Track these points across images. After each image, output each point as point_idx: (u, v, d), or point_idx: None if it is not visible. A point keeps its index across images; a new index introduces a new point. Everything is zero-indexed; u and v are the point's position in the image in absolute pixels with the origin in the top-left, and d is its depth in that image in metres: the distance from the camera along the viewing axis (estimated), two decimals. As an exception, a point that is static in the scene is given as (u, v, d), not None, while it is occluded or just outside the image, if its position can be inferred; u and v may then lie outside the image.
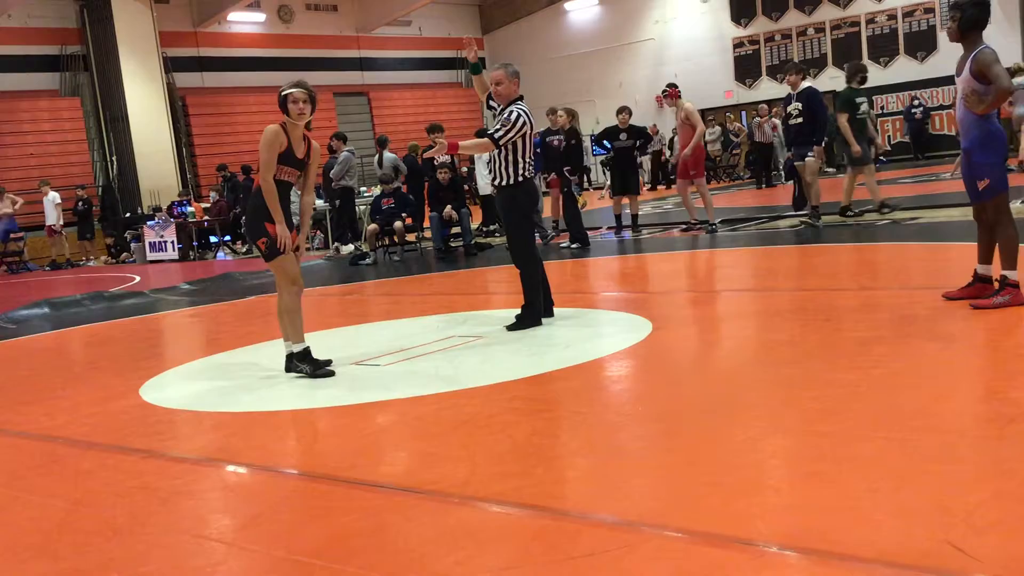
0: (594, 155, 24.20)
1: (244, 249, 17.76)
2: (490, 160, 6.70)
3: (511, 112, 6.51)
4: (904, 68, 24.92)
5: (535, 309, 6.59)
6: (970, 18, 5.60)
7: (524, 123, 6.47)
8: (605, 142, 13.56)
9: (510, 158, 6.56)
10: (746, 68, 27.20)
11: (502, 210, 6.82)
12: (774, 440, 3.71)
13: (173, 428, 4.98)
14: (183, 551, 3.16)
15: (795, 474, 3.34)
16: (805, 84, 11.36)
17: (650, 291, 7.50)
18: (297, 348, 5.66)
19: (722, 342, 5.97)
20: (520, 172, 6.58)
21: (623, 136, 13.10)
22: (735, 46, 27.42)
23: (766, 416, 4.03)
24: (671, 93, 12.53)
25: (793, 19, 26.39)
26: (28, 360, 8.08)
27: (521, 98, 6.63)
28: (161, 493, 3.78)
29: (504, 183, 6.64)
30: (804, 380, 4.51)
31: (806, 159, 11.27)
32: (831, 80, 25.45)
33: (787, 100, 11.45)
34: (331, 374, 5.60)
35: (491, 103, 6.84)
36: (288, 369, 5.72)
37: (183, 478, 3.99)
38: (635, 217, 13.14)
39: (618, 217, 13.21)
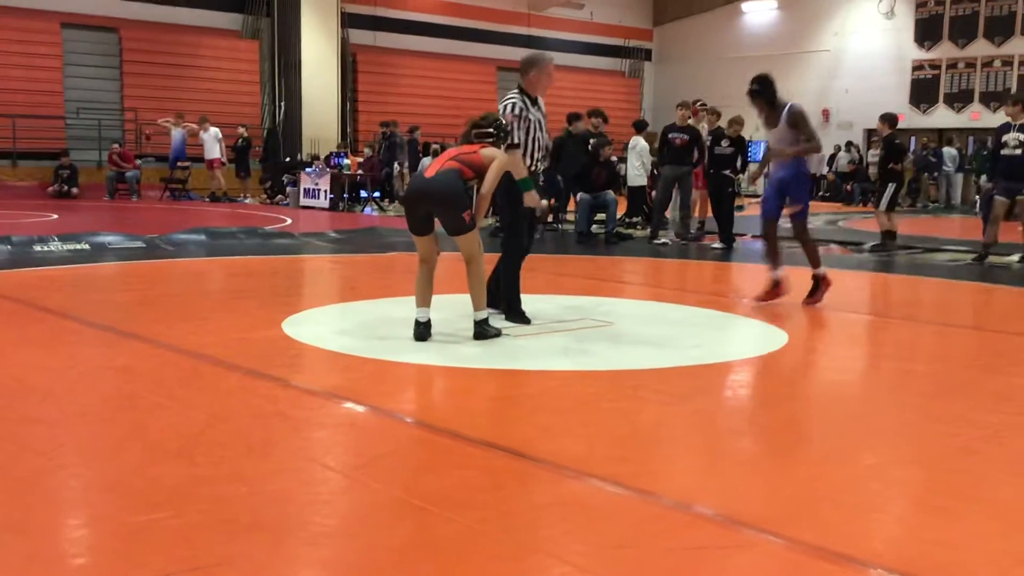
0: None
1: (391, 207, 18.19)
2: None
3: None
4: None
5: (518, 306, 6.33)
6: (767, 98, 7.24)
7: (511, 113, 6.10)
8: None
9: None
10: (923, 93, 26.11)
11: (504, 198, 6.29)
12: (904, 470, 3.60)
13: (309, 363, 5.21)
14: (308, 477, 3.31)
15: (922, 506, 3.25)
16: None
17: (791, 303, 7.35)
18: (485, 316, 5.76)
19: (860, 365, 5.80)
20: (528, 164, 6.21)
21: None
22: (914, 68, 26.35)
23: (899, 444, 3.91)
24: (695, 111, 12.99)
25: (980, 48, 25.15)
26: (182, 281, 8.55)
27: (518, 88, 6.28)
28: (293, 421, 3.96)
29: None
30: (943, 415, 4.35)
31: None
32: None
33: (1003, 129, 10.99)
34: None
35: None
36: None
37: (315, 411, 4.17)
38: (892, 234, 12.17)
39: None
